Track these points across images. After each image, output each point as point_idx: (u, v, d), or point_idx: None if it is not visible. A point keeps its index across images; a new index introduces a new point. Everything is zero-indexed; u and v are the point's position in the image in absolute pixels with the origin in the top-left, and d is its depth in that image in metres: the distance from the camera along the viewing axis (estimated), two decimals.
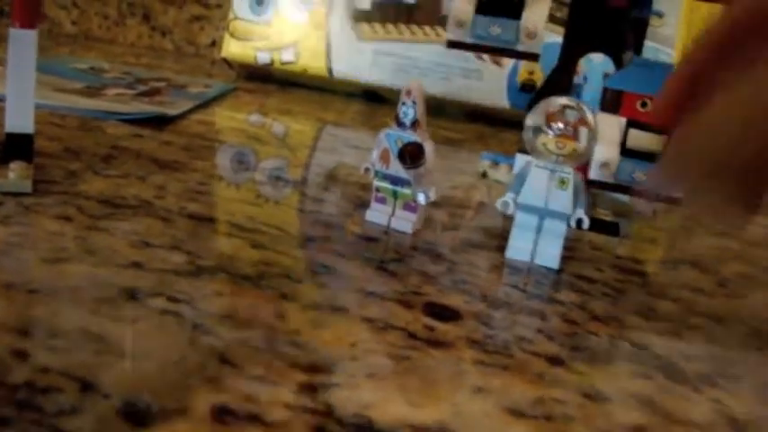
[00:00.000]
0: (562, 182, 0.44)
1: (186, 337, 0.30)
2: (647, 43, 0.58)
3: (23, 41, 0.45)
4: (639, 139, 0.51)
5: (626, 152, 0.51)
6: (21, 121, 0.47)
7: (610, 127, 0.51)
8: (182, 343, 0.30)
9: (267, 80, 1.11)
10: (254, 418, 0.26)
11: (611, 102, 0.52)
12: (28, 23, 0.45)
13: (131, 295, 0.33)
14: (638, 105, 0.51)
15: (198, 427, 0.25)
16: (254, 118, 0.84)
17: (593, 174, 0.51)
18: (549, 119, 0.43)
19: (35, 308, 0.31)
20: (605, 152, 0.51)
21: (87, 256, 0.37)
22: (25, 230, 0.39)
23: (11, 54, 0.45)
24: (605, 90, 0.53)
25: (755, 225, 0.66)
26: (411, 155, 0.46)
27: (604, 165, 0.51)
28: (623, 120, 0.51)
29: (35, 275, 0.34)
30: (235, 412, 0.26)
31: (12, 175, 0.44)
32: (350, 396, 0.28)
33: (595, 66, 0.93)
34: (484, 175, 0.69)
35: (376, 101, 1.06)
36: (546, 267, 0.45)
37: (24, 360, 0.27)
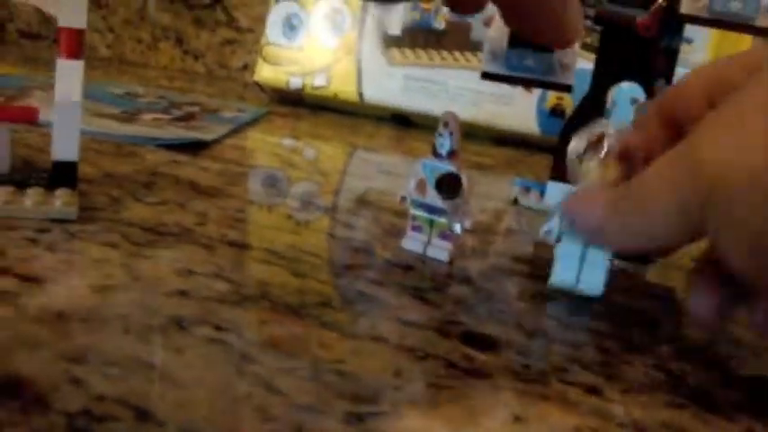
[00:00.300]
0: None
1: (233, 366, 0.31)
2: (678, 70, 0.58)
3: (71, 72, 0.47)
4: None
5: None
6: (67, 149, 0.48)
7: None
8: (229, 372, 0.31)
9: (298, 104, 1.12)
10: None
11: None
12: (74, 54, 0.46)
13: (178, 323, 0.34)
14: None
15: None
16: (288, 143, 0.86)
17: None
18: (592, 145, 0.44)
19: (87, 336, 0.32)
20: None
21: (134, 283, 0.38)
22: (72, 258, 0.40)
23: (58, 84, 0.47)
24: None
25: None
26: (448, 185, 0.47)
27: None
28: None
29: (84, 303, 0.35)
30: None
31: (57, 202, 0.46)
32: (395, 425, 0.29)
33: (624, 91, 0.94)
34: (515, 201, 0.70)
35: (406, 125, 1.08)
36: (582, 296, 0.46)
37: (80, 387, 0.28)
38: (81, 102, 0.48)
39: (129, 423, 0.26)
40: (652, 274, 0.54)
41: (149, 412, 0.27)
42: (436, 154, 0.47)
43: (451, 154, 0.47)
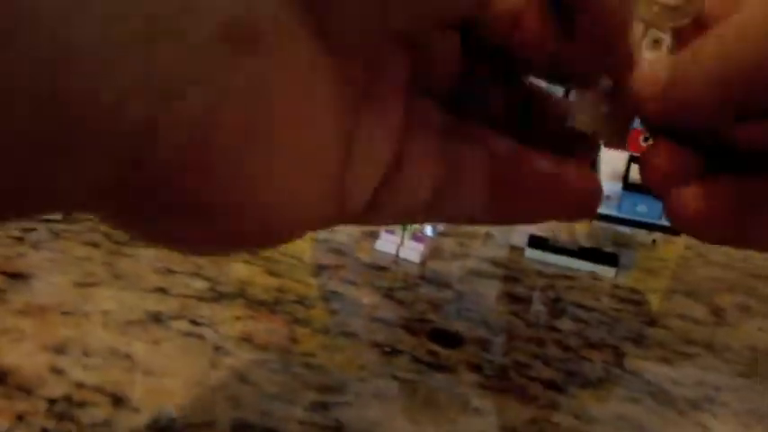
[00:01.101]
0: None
1: (208, 358, 0.33)
2: None
3: None
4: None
5: (628, 186, 0.53)
6: None
7: (613, 161, 0.53)
8: (204, 363, 0.32)
9: None
10: None
11: None
12: None
13: (157, 318, 0.36)
14: (641, 140, 0.53)
15: None
16: None
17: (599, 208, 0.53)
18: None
19: (68, 329, 0.34)
20: (608, 186, 0.52)
21: (115, 280, 0.39)
22: (56, 256, 0.42)
23: None
24: None
25: (756, 257, 0.68)
26: None
27: (607, 198, 0.53)
28: (626, 154, 0.53)
29: (68, 298, 0.37)
30: (253, 426, 0.28)
31: None
32: (358, 414, 0.30)
33: None
34: None
35: None
36: (545, 299, 0.48)
37: (61, 376, 0.30)
38: None
39: (106, 409, 0.28)
40: (619, 277, 0.55)
41: (125, 399, 0.29)
42: None
43: None
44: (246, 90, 0.15)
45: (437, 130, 0.23)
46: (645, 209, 0.52)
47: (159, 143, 0.14)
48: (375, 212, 0.21)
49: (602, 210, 0.53)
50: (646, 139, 0.53)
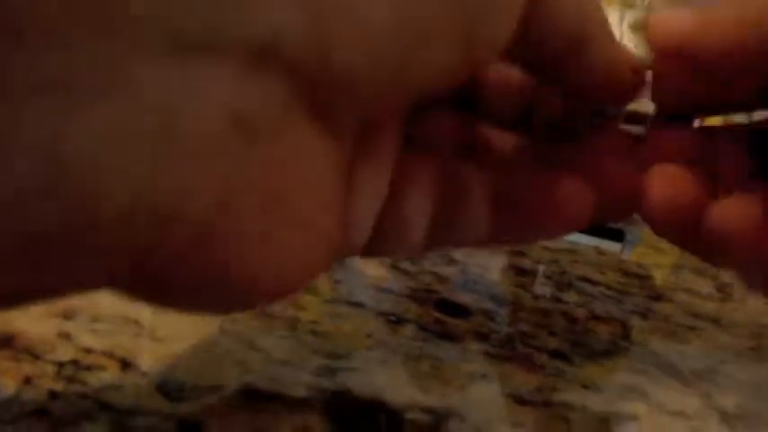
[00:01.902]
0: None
1: (216, 325, 0.33)
2: None
3: None
4: None
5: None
6: None
7: None
8: (212, 330, 0.33)
9: None
10: (278, 396, 0.28)
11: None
12: None
13: None
14: None
15: (227, 402, 0.27)
16: None
17: None
18: None
19: (76, 296, 0.34)
20: None
21: None
22: None
23: None
24: None
25: None
26: None
27: None
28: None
29: None
30: (260, 390, 0.28)
31: None
32: (365, 380, 0.30)
33: None
34: None
35: None
36: (551, 272, 0.48)
37: (69, 340, 0.30)
38: None
39: (114, 372, 0.28)
40: (625, 254, 0.55)
41: (133, 363, 0.29)
42: None
43: None
44: (259, 180, 0.15)
45: (437, 152, 0.23)
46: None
47: (171, 240, 0.14)
48: (375, 247, 0.21)
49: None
50: None
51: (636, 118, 0.25)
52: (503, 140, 0.24)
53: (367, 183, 0.20)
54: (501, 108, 0.24)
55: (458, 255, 0.48)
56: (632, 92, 0.23)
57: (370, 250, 0.21)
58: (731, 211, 0.21)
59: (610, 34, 0.22)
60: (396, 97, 0.17)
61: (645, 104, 0.24)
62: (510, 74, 0.24)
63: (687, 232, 0.22)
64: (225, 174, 0.15)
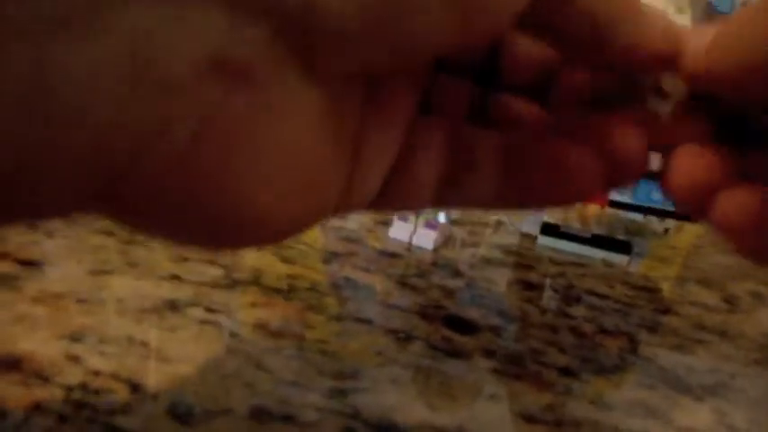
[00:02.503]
0: None
1: (224, 345, 0.33)
2: None
3: None
4: (657, 161, 0.52)
5: (644, 174, 0.52)
6: None
7: None
8: (220, 350, 0.32)
9: None
10: (289, 419, 0.28)
11: None
12: None
13: (172, 306, 0.36)
14: None
15: (238, 425, 0.27)
16: None
17: (613, 194, 0.53)
18: None
19: (84, 317, 0.34)
20: None
21: (129, 268, 0.39)
22: (70, 243, 0.42)
23: None
24: None
25: None
26: None
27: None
28: None
29: (82, 286, 0.37)
30: (271, 413, 0.28)
31: None
32: (375, 400, 0.30)
33: None
34: None
35: None
36: (558, 286, 0.48)
37: (77, 363, 0.30)
38: None
39: (124, 395, 0.28)
40: (632, 265, 0.55)
41: (142, 386, 0.29)
42: None
43: None
44: (234, 122, 0.16)
45: (451, 117, 0.23)
46: (660, 196, 0.52)
47: (143, 169, 0.15)
48: (383, 201, 0.22)
49: (616, 197, 0.53)
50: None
51: (663, 94, 0.24)
52: (518, 108, 0.24)
53: (377, 141, 0.20)
54: (519, 78, 0.24)
55: (464, 267, 0.48)
56: (663, 64, 0.22)
57: (376, 205, 0.22)
58: (733, 201, 0.21)
59: (639, 5, 0.21)
60: (392, 52, 0.17)
61: (674, 83, 0.23)
62: (531, 45, 0.24)
63: (706, 212, 0.22)
64: (201, 112, 0.15)
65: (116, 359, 0.30)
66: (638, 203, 0.53)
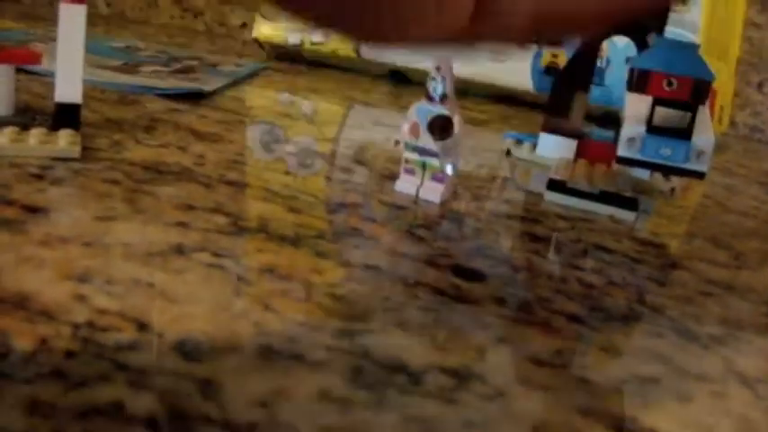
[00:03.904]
0: None
1: (231, 287, 0.33)
2: (670, 29, 0.59)
3: (73, 16, 0.48)
4: (665, 116, 0.52)
5: (652, 129, 0.52)
6: (69, 91, 0.49)
7: (637, 105, 0.53)
8: (227, 292, 0.32)
9: (297, 61, 1.13)
10: (297, 357, 0.28)
11: (639, 81, 0.54)
12: None
13: (179, 250, 0.36)
14: (664, 84, 0.53)
15: (246, 362, 0.27)
16: (284, 97, 0.87)
17: (621, 150, 0.53)
18: None
19: (90, 259, 0.33)
20: (631, 129, 0.52)
21: (135, 215, 0.39)
22: (76, 192, 0.41)
23: (61, 28, 0.48)
24: (632, 70, 0.54)
25: None
26: (440, 127, 0.48)
27: (631, 140, 0.52)
28: (650, 98, 0.53)
29: (88, 231, 0.36)
30: (279, 351, 0.28)
31: (61, 141, 0.47)
32: (384, 342, 0.30)
33: (619, 50, 0.95)
34: (508, 153, 0.71)
35: (403, 82, 1.09)
36: (563, 237, 0.47)
37: (84, 303, 0.29)
38: (84, 45, 0.49)
39: (130, 333, 0.28)
40: (639, 222, 0.55)
41: (149, 324, 0.29)
42: (429, 98, 0.49)
43: (444, 98, 0.48)
44: None
45: None
46: (668, 152, 0.52)
47: None
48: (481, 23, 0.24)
49: (624, 153, 0.53)
50: (669, 84, 0.53)
51: None
52: None
53: None
54: None
55: (471, 220, 0.48)
56: None
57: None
58: None
59: None
60: None
61: None
62: None
63: None
64: None
65: (122, 299, 0.30)
66: (646, 159, 0.53)
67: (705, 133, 0.51)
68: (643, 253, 0.48)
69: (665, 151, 0.52)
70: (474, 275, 0.39)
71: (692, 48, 0.53)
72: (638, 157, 0.53)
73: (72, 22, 0.48)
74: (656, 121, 0.52)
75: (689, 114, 0.52)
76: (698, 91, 0.52)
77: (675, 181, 0.58)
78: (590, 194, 0.56)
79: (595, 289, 0.40)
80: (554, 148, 0.66)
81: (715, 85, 1.00)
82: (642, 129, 0.52)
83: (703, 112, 0.52)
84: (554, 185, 0.56)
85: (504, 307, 0.36)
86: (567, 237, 0.48)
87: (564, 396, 0.29)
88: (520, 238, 0.47)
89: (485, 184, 0.59)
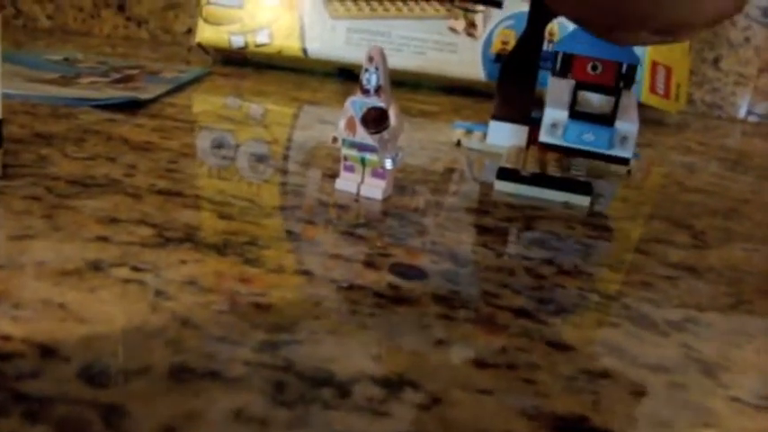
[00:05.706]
0: None
1: (148, 303, 0.30)
2: None
3: None
4: (589, 101, 0.51)
5: (575, 114, 0.51)
6: None
7: (559, 89, 0.52)
8: (143, 308, 0.30)
9: (243, 64, 1.11)
10: (213, 375, 0.26)
11: (563, 65, 0.52)
12: None
13: (96, 267, 0.33)
14: (588, 68, 0.51)
15: (155, 384, 0.25)
16: (230, 101, 0.84)
17: (543, 136, 0.51)
18: None
19: None
20: (554, 114, 0.51)
21: (53, 232, 0.37)
22: None
23: None
24: (555, 53, 0.53)
25: (736, 182, 0.66)
26: (374, 120, 0.46)
27: (554, 125, 0.51)
28: (573, 82, 0.52)
29: (1, 251, 0.34)
30: (193, 370, 0.26)
31: None
32: (311, 351, 0.28)
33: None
34: (458, 143, 0.69)
35: (351, 79, 1.07)
36: (515, 227, 0.45)
37: None
38: (4, 59, 0.46)
39: (33, 360, 0.25)
40: (593, 206, 0.53)
41: (55, 349, 0.26)
42: (363, 90, 0.47)
43: (378, 89, 0.46)
44: None
45: None
46: (591, 137, 0.51)
47: None
48: None
49: (547, 138, 0.51)
50: (594, 68, 0.51)
51: None
52: None
53: None
54: None
55: (415, 216, 0.46)
56: None
57: None
58: None
59: None
60: None
61: None
62: None
63: None
64: None
65: (29, 323, 0.28)
66: (569, 145, 0.51)
67: (629, 119, 0.51)
68: (597, 238, 0.46)
69: (588, 137, 0.51)
70: (415, 274, 0.37)
71: None
72: (560, 143, 0.51)
73: None
74: (579, 106, 0.51)
75: (613, 99, 0.50)
76: (623, 75, 0.51)
77: (633, 162, 0.56)
78: (541, 181, 0.54)
79: (545, 280, 0.38)
80: (505, 136, 0.65)
81: (670, 62, 0.98)
82: (565, 114, 0.51)
83: (628, 97, 0.51)
84: (503, 174, 0.55)
85: (445, 306, 0.33)
86: (515, 226, 0.46)
87: (508, 399, 0.27)
88: (466, 230, 0.45)
89: (432, 177, 0.57)
